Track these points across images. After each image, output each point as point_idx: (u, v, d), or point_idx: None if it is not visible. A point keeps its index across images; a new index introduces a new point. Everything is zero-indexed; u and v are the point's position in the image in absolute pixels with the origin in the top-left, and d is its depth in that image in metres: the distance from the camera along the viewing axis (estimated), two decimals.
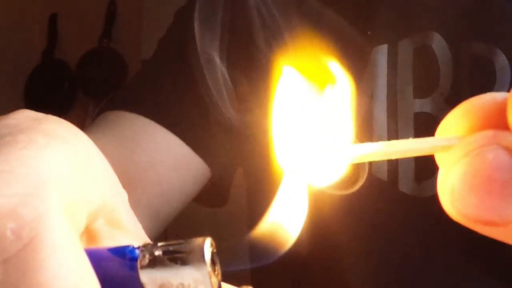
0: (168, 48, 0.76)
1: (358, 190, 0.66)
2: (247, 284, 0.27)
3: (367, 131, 0.65)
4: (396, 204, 0.65)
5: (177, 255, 0.24)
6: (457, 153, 0.22)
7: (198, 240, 0.24)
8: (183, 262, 0.24)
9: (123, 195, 0.30)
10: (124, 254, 0.24)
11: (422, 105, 0.64)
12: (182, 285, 0.24)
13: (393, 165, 0.64)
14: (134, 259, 0.24)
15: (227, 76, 0.68)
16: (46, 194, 0.22)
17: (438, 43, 0.64)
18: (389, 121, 0.64)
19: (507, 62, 0.61)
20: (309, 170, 0.26)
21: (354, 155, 0.26)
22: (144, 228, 0.31)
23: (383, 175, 0.64)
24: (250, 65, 0.68)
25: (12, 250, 0.21)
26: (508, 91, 0.23)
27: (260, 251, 0.27)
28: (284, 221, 0.27)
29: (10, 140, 0.23)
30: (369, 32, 0.66)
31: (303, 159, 0.26)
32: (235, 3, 0.68)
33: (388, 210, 0.65)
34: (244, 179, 0.77)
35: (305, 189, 0.27)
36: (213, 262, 0.24)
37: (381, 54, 0.65)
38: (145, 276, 0.24)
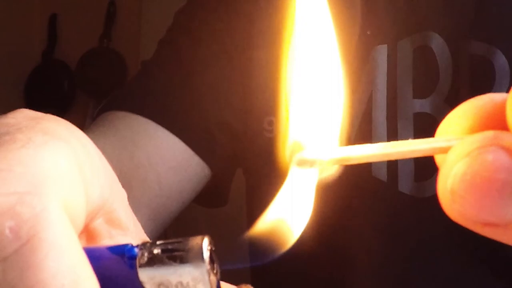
0: (168, 48, 0.76)
1: (358, 191, 0.66)
2: (246, 283, 0.27)
3: (367, 132, 0.65)
4: (396, 204, 0.65)
5: (176, 253, 0.24)
6: (457, 154, 0.22)
7: (197, 238, 0.24)
8: (182, 260, 0.23)
9: (123, 194, 0.30)
10: (123, 252, 0.24)
11: (422, 105, 0.64)
12: (181, 283, 0.23)
13: (393, 165, 0.64)
14: (133, 257, 0.24)
15: None
16: (44, 193, 0.22)
17: (437, 43, 0.64)
18: (388, 121, 0.64)
19: (507, 62, 0.61)
20: (317, 166, 0.26)
21: (354, 156, 0.26)
22: (143, 228, 0.31)
23: (383, 175, 0.65)
24: None
25: (11, 248, 0.21)
26: (508, 91, 0.23)
27: (261, 249, 0.27)
28: (287, 219, 0.27)
29: (9, 139, 0.23)
30: (368, 32, 0.66)
31: (314, 153, 0.26)
32: None
33: (388, 211, 0.65)
34: (244, 179, 0.77)
35: (313, 186, 0.27)
36: (211, 261, 0.24)
37: (381, 54, 0.65)
38: (144, 274, 0.24)
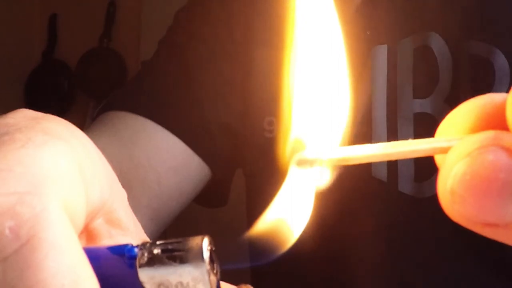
0: (168, 48, 0.76)
1: (358, 191, 0.66)
2: (246, 283, 0.27)
3: (367, 132, 0.65)
4: (396, 204, 0.65)
5: (176, 253, 0.24)
6: (457, 154, 0.22)
7: (197, 238, 0.24)
8: (182, 260, 0.23)
9: (122, 194, 0.30)
10: (123, 252, 0.24)
11: (422, 105, 0.64)
12: (181, 283, 0.23)
13: (393, 166, 0.64)
14: (133, 257, 0.24)
15: None
16: (44, 193, 0.22)
17: (437, 43, 0.64)
18: (388, 121, 0.64)
19: (506, 62, 0.61)
20: (318, 166, 0.26)
21: (354, 156, 0.26)
22: (144, 228, 0.31)
23: (383, 176, 0.64)
24: None
25: (11, 248, 0.21)
26: (508, 91, 0.23)
27: (261, 249, 0.27)
28: (287, 219, 0.27)
29: (8, 139, 0.23)
30: (368, 32, 0.66)
31: (314, 153, 0.26)
32: None
33: (388, 211, 0.65)
34: (244, 179, 0.77)
35: (312, 186, 0.27)
36: (211, 261, 0.24)
37: (381, 54, 0.65)
38: (144, 274, 0.24)
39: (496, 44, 0.62)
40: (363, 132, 0.65)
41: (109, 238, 0.28)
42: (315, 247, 0.57)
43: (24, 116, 0.26)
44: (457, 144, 0.23)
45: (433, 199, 0.49)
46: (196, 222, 1.04)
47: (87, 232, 0.28)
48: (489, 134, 0.22)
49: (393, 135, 0.64)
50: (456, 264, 0.63)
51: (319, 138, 0.27)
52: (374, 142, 0.64)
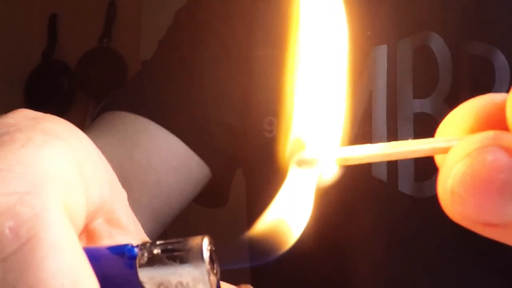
0: (168, 48, 0.76)
1: (358, 191, 0.66)
2: (246, 283, 0.27)
3: (367, 132, 0.65)
4: (396, 204, 0.65)
5: (176, 253, 0.24)
6: (457, 154, 0.22)
7: (197, 238, 0.24)
8: (182, 260, 0.24)
9: (122, 194, 0.30)
10: (122, 252, 0.24)
11: (422, 105, 0.64)
12: (181, 283, 0.24)
13: (393, 166, 0.64)
14: (133, 257, 0.24)
15: None
16: (44, 193, 0.22)
17: (437, 43, 0.64)
18: (388, 121, 0.64)
19: (506, 62, 0.61)
20: (317, 166, 0.26)
21: (354, 156, 0.26)
22: (144, 228, 0.31)
23: (383, 176, 0.64)
24: None
25: (10, 248, 0.21)
26: (508, 91, 0.23)
27: (261, 249, 0.27)
28: (287, 219, 0.27)
29: (8, 139, 0.23)
30: (368, 33, 0.66)
31: (314, 153, 0.26)
32: None
33: (388, 211, 0.65)
34: (244, 179, 0.77)
35: (312, 186, 0.27)
36: (211, 261, 0.24)
37: (381, 54, 0.65)
38: (143, 274, 0.24)
39: (496, 44, 0.62)
40: (363, 132, 0.65)
41: (109, 238, 0.28)
42: (315, 247, 0.57)
43: (24, 116, 0.26)
44: (457, 144, 0.23)
45: (433, 199, 0.49)
46: (196, 222, 1.04)
47: (87, 232, 0.28)
48: (489, 134, 0.22)
49: (393, 135, 0.64)
50: (456, 264, 0.63)
51: (319, 138, 0.27)
52: (374, 142, 0.64)
